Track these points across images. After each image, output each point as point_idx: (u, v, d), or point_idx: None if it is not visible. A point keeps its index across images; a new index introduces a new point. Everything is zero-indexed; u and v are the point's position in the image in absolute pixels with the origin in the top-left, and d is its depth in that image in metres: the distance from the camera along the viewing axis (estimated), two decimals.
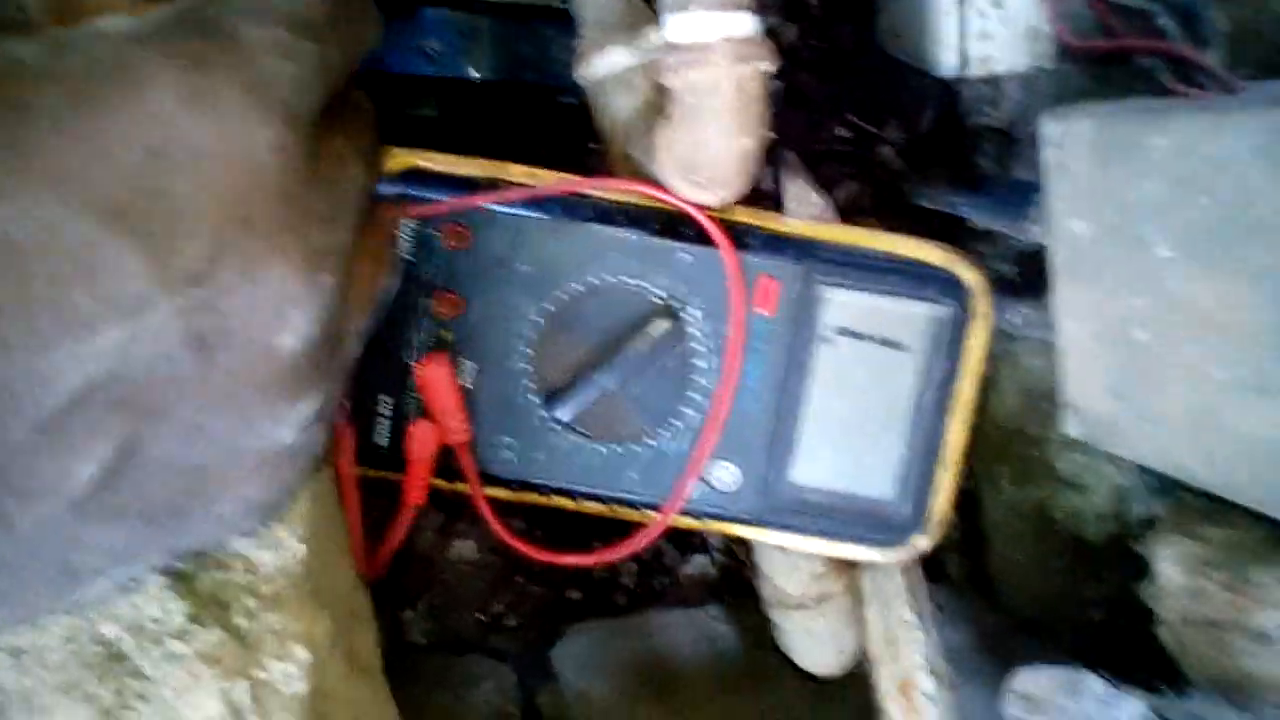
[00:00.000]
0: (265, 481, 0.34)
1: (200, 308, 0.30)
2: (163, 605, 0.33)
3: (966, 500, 0.90)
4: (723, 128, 0.47)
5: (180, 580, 0.33)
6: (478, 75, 0.69)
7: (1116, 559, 0.75)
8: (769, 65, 0.48)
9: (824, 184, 0.94)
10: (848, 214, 0.94)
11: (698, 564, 0.94)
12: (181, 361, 0.30)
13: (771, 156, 0.95)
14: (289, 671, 0.34)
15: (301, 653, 0.35)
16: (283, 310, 0.32)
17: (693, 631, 0.92)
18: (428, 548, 0.91)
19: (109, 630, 0.33)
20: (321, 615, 0.36)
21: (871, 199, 0.96)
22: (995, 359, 0.79)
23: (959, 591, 0.95)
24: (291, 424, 0.34)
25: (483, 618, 0.94)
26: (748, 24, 0.46)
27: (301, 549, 0.35)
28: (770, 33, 0.91)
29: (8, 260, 0.26)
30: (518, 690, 0.87)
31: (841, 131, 0.94)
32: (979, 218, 0.72)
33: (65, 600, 0.32)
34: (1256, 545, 0.56)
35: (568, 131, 0.68)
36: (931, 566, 0.93)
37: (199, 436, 0.31)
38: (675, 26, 0.46)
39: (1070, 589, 0.81)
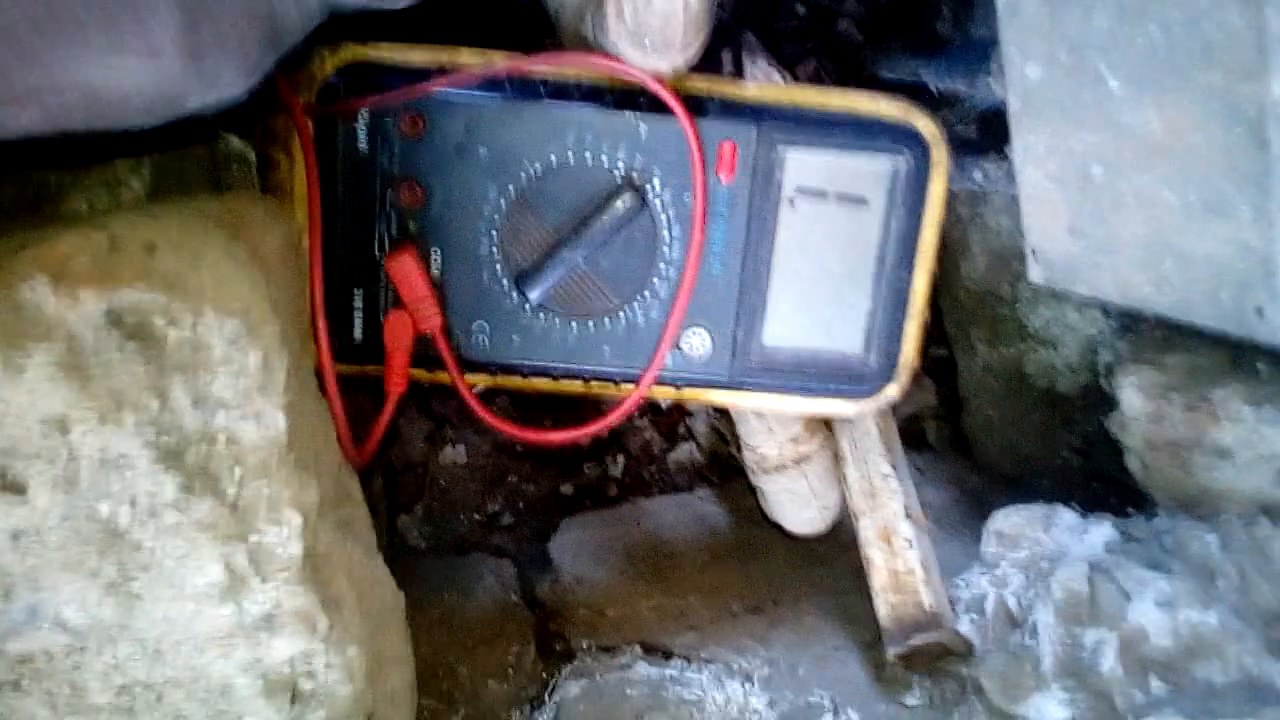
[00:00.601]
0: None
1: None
2: (154, 479, 0.34)
3: (942, 365, 0.92)
4: None
5: (169, 455, 0.35)
6: None
7: (1088, 406, 0.77)
8: None
9: (785, 63, 0.93)
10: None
11: (684, 451, 0.96)
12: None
13: (730, 38, 0.95)
14: (282, 534, 0.36)
15: (293, 516, 0.36)
16: None
17: (683, 514, 0.95)
18: (419, 455, 0.93)
19: (104, 507, 0.34)
20: (308, 482, 0.38)
21: (833, 74, 0.96)
22: (964, 223, 0.80)
23: (939, 455, 0.98)
24: None
25: (479, 518, 0.96)
26: None
27: (281, 419, 0.36)
28: None
29: None
30: (518, 582, 0.90)
31: (800, 8, 0.93)
32: (939, 81, 0.72)
33: None
34: (1214, 367, 0.57)
35: (520, 28, 0.67)
36: (911, 433, 0.96)
37: None
38: None
39: (1045, 440, 0.84)
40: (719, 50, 0.93)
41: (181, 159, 0.52)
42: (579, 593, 0.85)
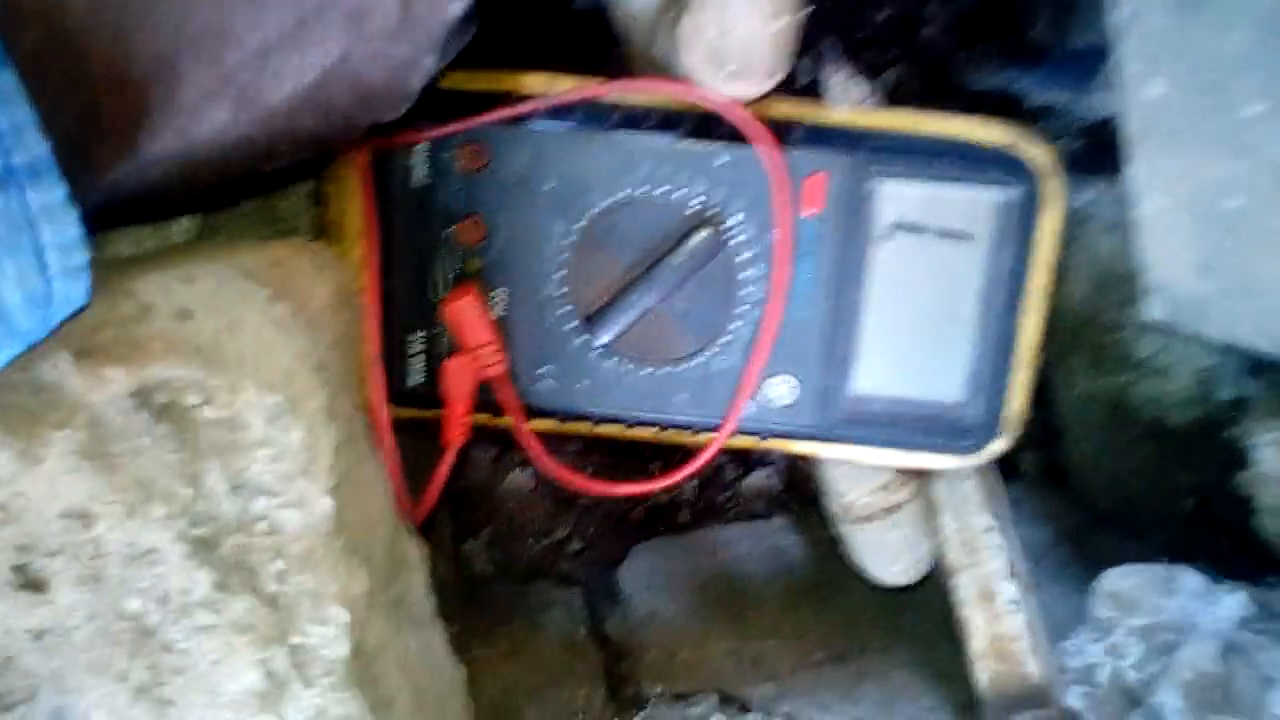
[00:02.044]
0: (388, 111, 0.43)
1: None
2: (186, 574, 0.31)
3: (1039, 392, 0.86)
4: (752, 6, 0.42)
5: (201, 547, 0.31)
6: None
7: (1204, 445, 0.70)
8: None
9: (868, 72, 0.88)
10: (894, 101, 0.89)
11: (760, 477, 0.92)
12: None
13: (810, 47, 0.89)
14: (328, 634, 0.32)
15: (339, 613, 0.33)
16: None
17: (758, 545, 0.91)
18: (484, 480, 0.90)
19: (133, 604, 0.31)
20: (358, 571, 0.34)
21: (920, 84, 0.90)
22: (1065, 243, 0.75)
23: (1034, 488, 0.92)
24: (420, 74, 0.42)
25: (546, 544, 0.93)
26: None
27: (328, 503, 0.33)
28: None
29: None
30: (587, 613, 0.87)
31: (883, 13, 0.88)
32: (1038, 93, 0.66)
33: None
34: None
35: (584, 41, 0.64)
36: (1003, 463, 0.90)
37: (379, 66, 0.40)
38: None
39: (1155, 479, 0.77)
40: (797, 60, 0.88)
41: None
42: (650, 630, 0.81)
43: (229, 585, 0.32)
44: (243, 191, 0.47)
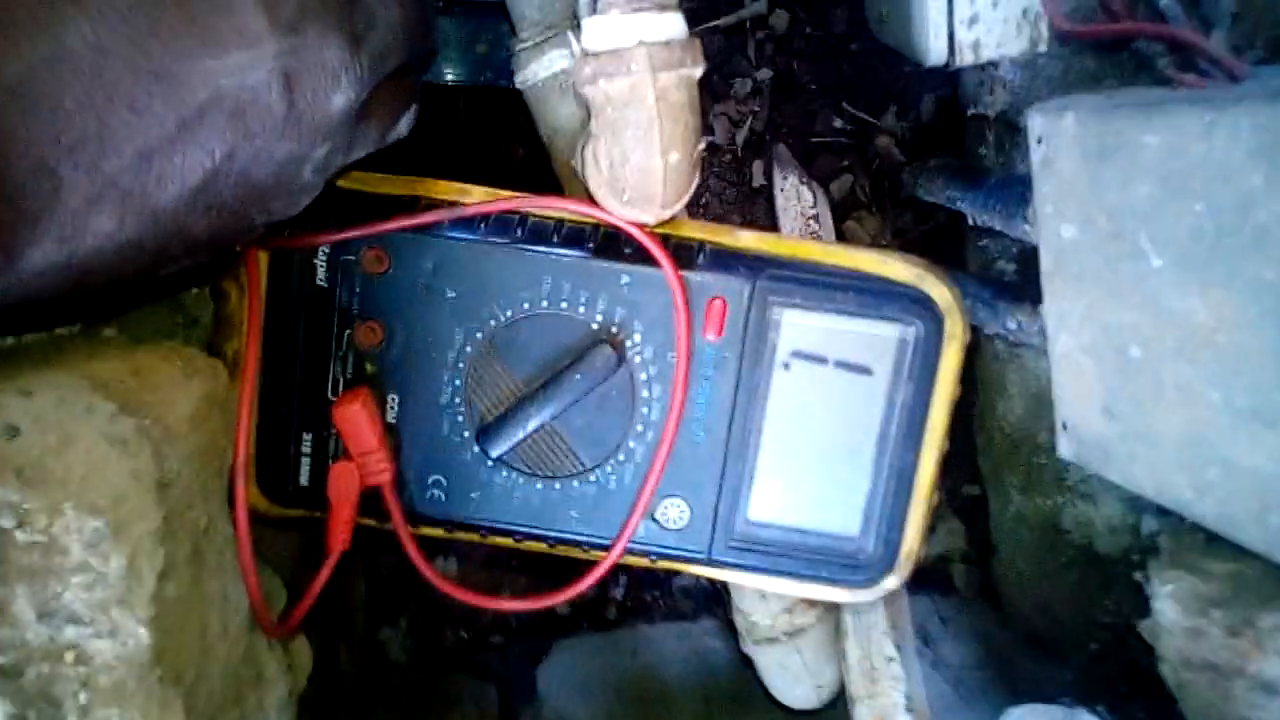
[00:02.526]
0: (285, 207, 0.43)
1: (290, 52, 0.38)
2: None
3: (975, 507, 0.86)
4: (645, 141, 0.42)
5: (3, 675, 0.30)
6: (450, 77, 0.65)
7: (1127, 575, 0.70)
8: (697, 70, 0.43)
9: (819, 177, 0.89)
10: (844, 208, 0.90)
11: (689, 578, 0.91)
12: (271, 94, 0.38)
13: (761, 150, 0.90)
14: None
15: None
16: (339, 75, 0.40)
17: (683, 647, 0.89)
18: (405, 565, 0.88)
19: None
20: (173, 705, 0.33)
21: (869, 192, 0.91)
22: (1002, 361, 0.74)
23: (965, 603, 0.90)
24: (312, 166, 0.42)
25: (466, 635, 0.91)
26: (672, 26, 0.41)
27: (143, 634, 0.32)
28: (760, 20, 0.87)
29: None
30: (499, 710, 0.85)
31: (837, 121, 0.89)
32: (976, 214, 0.67)
33: None
34: (1262, 582, 0.50)
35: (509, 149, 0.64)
36: (937, 577, 0.89)
37: (266, 161, 0.40)
38: (590, 32, 0.41)
39: (1080, 605, 0.76)
40: (750, 162, 0.89)
41: None
42: None
43: (28, 718, 0.30)
44: (139, 296, 0.46)
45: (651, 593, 0.91)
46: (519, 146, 0.85)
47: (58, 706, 0.31)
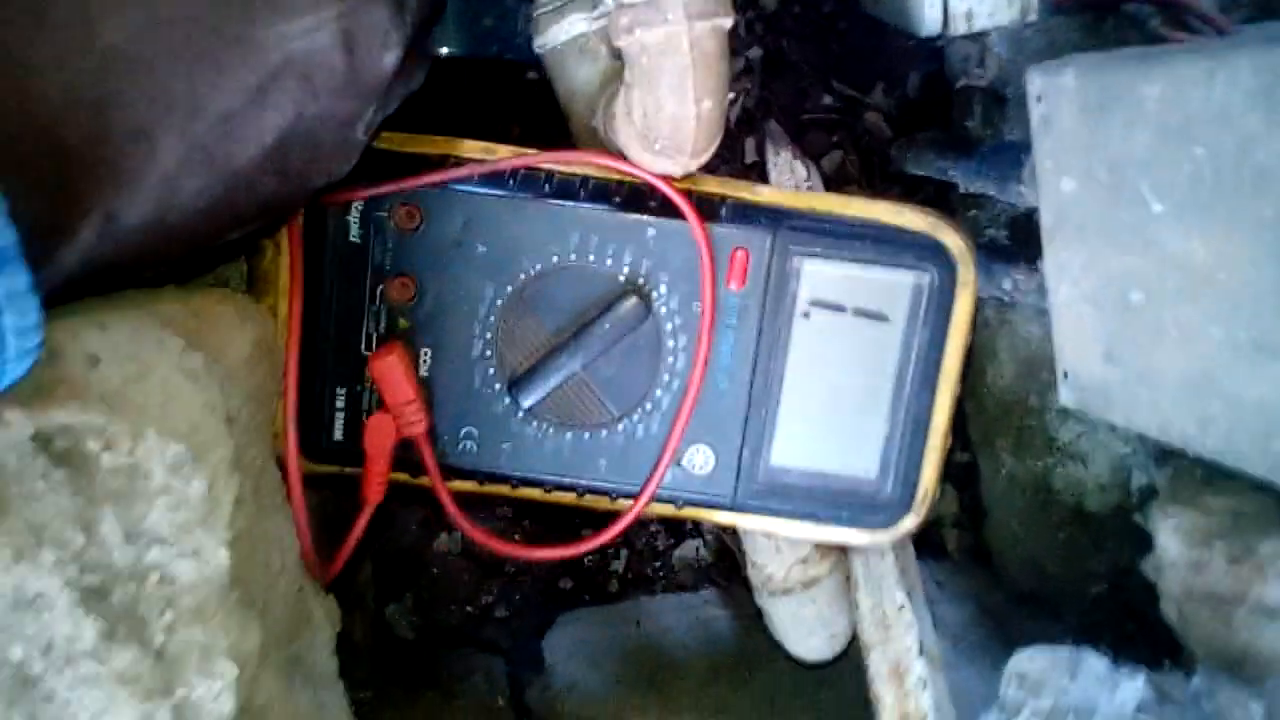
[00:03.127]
0: (339, 167, 0.45)
1: (349, 14, 0.40)
2: (74, 622, 0.31)
3: (966, 473, 0.88)
4: (679, 89, 0.44)
5: (92, 595, 0.31)
6: (445, 51, 0.66)
7: (1119, 530, 0.72)
8: (727, 21, 0.45)
9: (810, 153, 0.91)
10: (835, 183, 0.92)
11: (690, 548, 0.92)
12: (334, 55, 0.40)
13: (754, 127, 0.92)
14: (214, 689, 0.32)
15: (228, 668, 0.32)
16: (389, 34, 0.42)
17: (685, 617, 0.90)
18: (410, 542, 0.89)
19: (16, 651, 0.30)
20: (251, 626, 0.34)
21: (859, 167, 0.93)
22: (992, 327, 0.77)
23: (959, 567, 0.93)
24: (364, 124, 0.44)
25: (471, 610, 0.92)
26: None
27: (224, 555, 0.33)
28: (750, 0, 0.89)
29: None
30: (508, 682, 0.86)
31: (827, 98, 0.91)
32: (968, 182, 0.69)
33: None
34: (1261, 514, 0.53)
35: (538, 108, 0.65)
36: (930, 542, 0.91)
37: (329, 120, 0.42)
38: None
39: (1072, 562, 0.79)
40: (742, 138, 0.91)
41: None
42: (570, 701, 0.80)
43: (116, 635, 0.31)
44: (210, 260, 0.48)
45: (651, 565, 0.92)
46: (516, 125, 0.86)
47: (145, 625, 0.32)
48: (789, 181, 0.86)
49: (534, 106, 0.67)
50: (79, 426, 0.31)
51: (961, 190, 0.71)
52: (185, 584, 0.32)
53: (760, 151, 0.90)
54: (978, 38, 0.72)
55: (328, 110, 0.41)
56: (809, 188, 0.85)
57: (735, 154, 0.90)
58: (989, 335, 0.77)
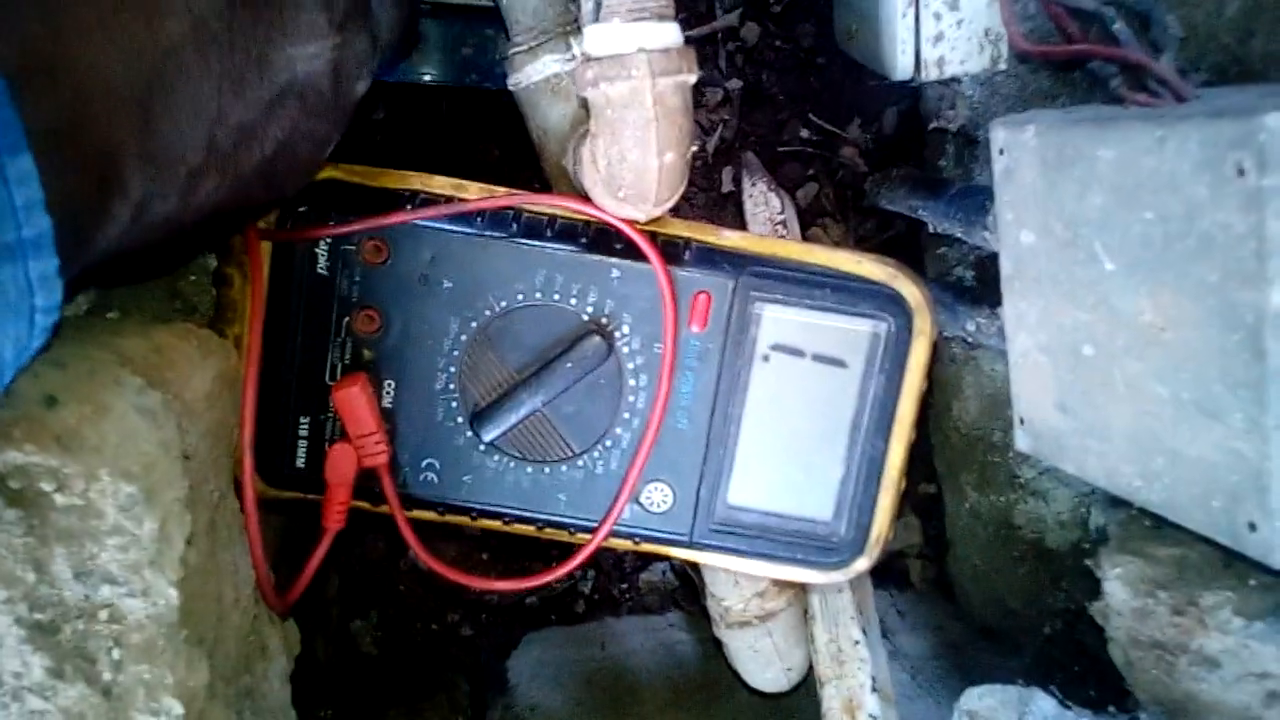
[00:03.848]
0: (299, 184, 0.48)
1: (341, 45, 0.44)
2: (21, 658, 0.31)
3: (931, 504, 0.89)
4: (643, 142, 0.45)
5: (40, 632, 0.32)
6: (427, 77, 0.67)
7: (1076, 568, 0.73)
8: (691, 77, 0.46)
9: (785, 185, 0.92)
10: (809, 215, 0.93)
11: (656, 571, 0.93)
12: (325, 81, 0.44)
13: (732, 157, 0.93)
14: None
15: (174, 705, 0.33)
16: (364, 66, 0.47)
17: (650, 639, 0.91)
18: (380, 558, 0.90)
19: None
20: (199, 663, 0.34)
21: (833, 200, 0.94)
22: (958, 363, 0.78)
23: (921, 597, 0.94)
24: (331, 147, 0.48)
25: (436, 628, 0.92)
26: (670, 35, 0.44)
27: (173, 594, 0.33)
28: (731, 32, 0.90)
29: None
30: (469, 701, 0.86)
31: (804, 131, 0.92)
32: (937, 223, 0.70)
33: None
34: (1205, 565, 0.54)
35: (516, 129, 0.66)
36: (894, 572, 0.92)
37: (310, 139, 0.45)
38: (592, 38, 0.44)
39: (1031, 597, 0.80)
40: (719, 168, 0.92)
41: None
42: None
43: (64, 672, 0.32)
44: (187, 255, 0.50)
45: (618, 586, 0.93)
46: (495, 148, 0.87)
47: (92, 662, 0.32)
48: (763, 212, 0.88)
49: (512, 128, 0.68)
50: (33, 467, 0.32)
51: (931, 230, 0.72)
52: (134, 622, 0.33)
53: (736, 182, 0.92)
54: (950, 83, 0.73)
55: (313, 130, 0.45)
56: (783, 219, 0.87)
57: (712, 183, 0.92)
58: (955, 371, 0.79)
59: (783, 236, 0.82)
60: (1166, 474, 0.49)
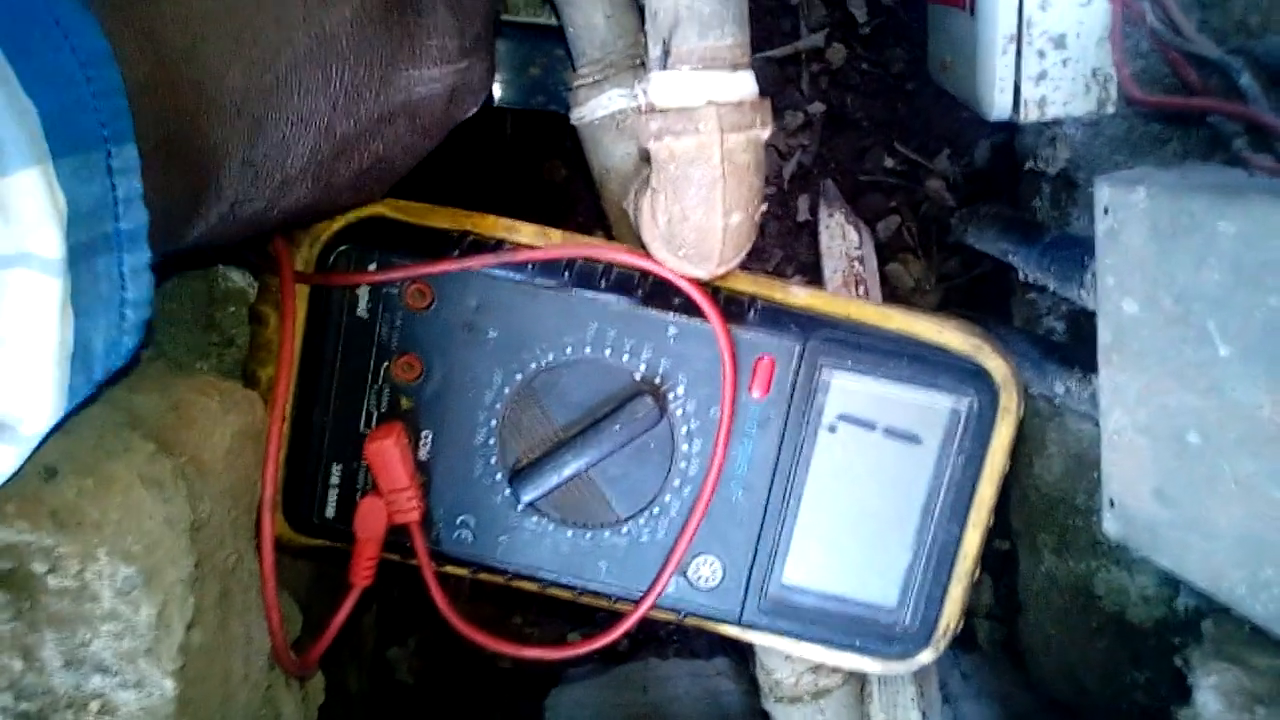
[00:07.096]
0: (379, 195, 0.48)
1: (465, 70, 0.45)
2: None
3: (1004, 562, 0.84)
4: (707, 201, 0.41)
5: None
6: (495, 98, 0.64)
7: (1160, 649, 0.68)
8: (765, 132, 0.41)
9: (865, 217, 0.87)
10: (889, 250, 0.88)
11: None
12: (440, 103, 0.44)
13: (810, 184, 0.89)
14: None
15: None
16: (479, 92, 0.48)
17: (695, 686, 0.88)
18: (417, 585, 0.88)
19: None
20: None
21: (915, 235, 0.89)
22: (1043, 418, 0.73)
23: (987, 660, 0.89)
24: (416, 161, 0.47)
25: (475, 659, 0.90)
26: (744, 86, 0.40)
27: (169, 685, 0.31)
28: (816, 53, 0.85)
29: None
30: None
31: (888, 160, 0.87)
32: (1029, 270, 0.65)
33: None
34: None
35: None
36: (961, 632, 0.87)
37: (409, 155, 0.45)
38: (658, 87, 0.40)
39: (1108, 674, 0.74)
40: (796, 196, 0.88)
41: (177, 296, 0.48)
42: None
43: None
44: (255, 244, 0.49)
45: (665, 626, 0.89)
46: (561, 166, 0.84)
47: None
48: (839, 246, 0.83)
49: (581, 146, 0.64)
50: (25, 546, 0.30)
51: (1019, 277, 0.67)
52: (126, 714, 0.31)
53: (813, 211, 0.87)
54: (1052, 124, 0.68)
55: (416, 147, 0.45)
56: (860, 255, 0.82)
57: (787, 211, 0.87)
58: (1039, 426, 0.74)
59: (859, 272, 0.78)
60: (1276, 585, 0.44)
